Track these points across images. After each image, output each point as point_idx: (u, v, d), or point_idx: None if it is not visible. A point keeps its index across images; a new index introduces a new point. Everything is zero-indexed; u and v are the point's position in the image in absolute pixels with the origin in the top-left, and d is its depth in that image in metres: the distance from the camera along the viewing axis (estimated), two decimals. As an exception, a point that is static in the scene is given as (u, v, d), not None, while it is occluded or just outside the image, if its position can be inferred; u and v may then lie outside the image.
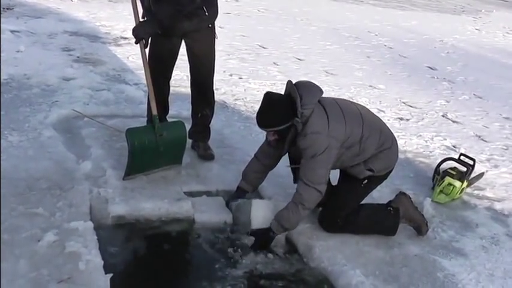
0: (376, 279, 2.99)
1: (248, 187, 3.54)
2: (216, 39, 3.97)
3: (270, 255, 3.20)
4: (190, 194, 3.62)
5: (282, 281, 2.99)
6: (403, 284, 3.00)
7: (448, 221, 3.78)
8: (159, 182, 3.68)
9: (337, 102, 3.26)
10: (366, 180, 3.38)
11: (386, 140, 3.35)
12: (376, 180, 3.46)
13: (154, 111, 3.71)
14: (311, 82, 3.23)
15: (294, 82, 3.15)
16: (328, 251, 3.18)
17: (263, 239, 3.21)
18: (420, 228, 3.49)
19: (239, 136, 4.70)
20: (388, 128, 3.45)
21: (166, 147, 3.71)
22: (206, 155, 4.14)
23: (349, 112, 3.23)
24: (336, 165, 3.24)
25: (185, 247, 3.22)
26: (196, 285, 2.90)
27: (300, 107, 3.02)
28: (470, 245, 3.55)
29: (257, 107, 5.42)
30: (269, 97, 3.13)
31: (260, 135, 4.74)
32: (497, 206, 4.20)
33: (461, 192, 4.15)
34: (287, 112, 3.04)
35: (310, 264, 3.16)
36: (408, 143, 5.13)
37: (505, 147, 5.56)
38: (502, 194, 4.44)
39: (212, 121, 4.30)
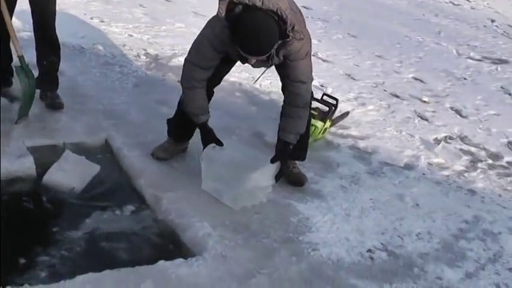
0: (226, 229, 2.81)
1: (208, 117, 3.16)
2: None
3: (118, 212, 2.95)
4: (34, 149, 3.26)
5: (124, 241, 2.74)
6: (254, 232, 2.85)
7: (308, 163, 3.60)
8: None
9: None
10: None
11: None
12: None
13: (20, 52, 3.46)
14: None
15: None
16: (177, 203, 2.95)
17: (286, 154, 3.15)
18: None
19: (93, 83, 4.32)
20: None
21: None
22: (54, 104, 3.81)
23: None
24: None
25: (23, 209, 2.89)
26: (28, 252, 2.57)
27: (287, 19, 2.69)
28: (329, 186, 3.48)
29: (117, 51, 5.19)
30: (256, 21, 2.66)
31: (116, 82, 4.43)
32: (361, 144, 4.19)
33: (323, 133, 4.07)
34: (279, 30, 2.71)
35: (158, 217, 2.91)
36: (274, 84, 4.85)
37: (374, 85, 5.59)
38: (367, 132, 4.44)
39: (65, 68, 4.02)
